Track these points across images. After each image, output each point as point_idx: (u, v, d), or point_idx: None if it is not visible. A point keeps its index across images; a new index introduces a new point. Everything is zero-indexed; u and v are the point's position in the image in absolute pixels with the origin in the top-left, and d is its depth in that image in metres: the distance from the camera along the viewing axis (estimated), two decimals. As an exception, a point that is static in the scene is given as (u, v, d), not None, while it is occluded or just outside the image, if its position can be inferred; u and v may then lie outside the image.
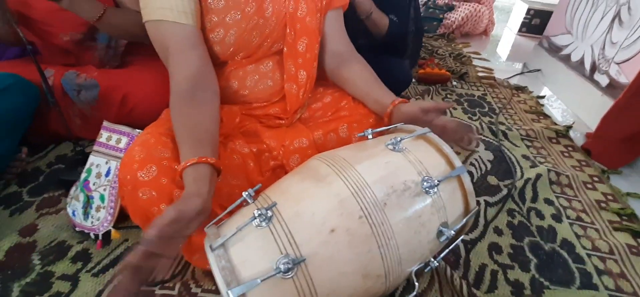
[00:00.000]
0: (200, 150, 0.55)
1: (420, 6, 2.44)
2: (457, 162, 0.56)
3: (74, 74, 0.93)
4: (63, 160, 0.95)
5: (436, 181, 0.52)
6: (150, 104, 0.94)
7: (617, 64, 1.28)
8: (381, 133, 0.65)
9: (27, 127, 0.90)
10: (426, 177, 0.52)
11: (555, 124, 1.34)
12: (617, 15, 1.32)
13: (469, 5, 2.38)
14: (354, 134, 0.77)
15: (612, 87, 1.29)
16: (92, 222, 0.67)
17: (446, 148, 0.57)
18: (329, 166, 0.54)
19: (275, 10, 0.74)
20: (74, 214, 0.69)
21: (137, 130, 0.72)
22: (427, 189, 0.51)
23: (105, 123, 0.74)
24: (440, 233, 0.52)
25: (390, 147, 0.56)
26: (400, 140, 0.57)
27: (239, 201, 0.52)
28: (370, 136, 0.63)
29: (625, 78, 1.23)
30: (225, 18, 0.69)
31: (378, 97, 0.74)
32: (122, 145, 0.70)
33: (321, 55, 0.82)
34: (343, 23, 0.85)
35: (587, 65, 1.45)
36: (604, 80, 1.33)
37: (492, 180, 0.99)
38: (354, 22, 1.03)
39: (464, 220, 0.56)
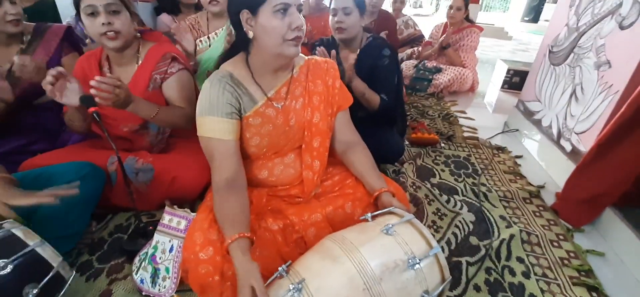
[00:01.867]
0: (238, 228, 0.77)
1: (412, 68, 2.77)
2: (434, 243, 0.76)
3: (134, 159, 1.17)
4: (120, 229, 1.16)
5: (418, 259, 0.72)
6: (193, 181, 1.18)
7: (577, 134, 1.52)
8: (379, 214, 0.87)
9: (96, 203, 1.12)
10: (411, 257, 0.73)
11: (530, 184, 1.56)
12: (574, 92, 1.59)
13: (455, 69, 2.70)
14: (357, 210, 0.99)
15: (574, 153, 1.52)
16: (159, 289, 0.87)
17: (426, 232, 0.78)
18: (341, 248, 0.75)
19: (297, 120, 0.99)
20: (142, 282, 0.89)
21: (193, 214, 0.94)
22: (411, 265, 0.72)
23: (167, 208, 0.96)
24: (422, 298, 0.72)
25: (384, 231, 0.77)
26: (392, 226, 0.78)
27: (276, 274, 0.73)
28: (369, 219, 0.85)
29: (583, 147, 1.46)
30: (261, 130, 0.94)
31: (370, 182, 0.98)
32: (182, 226, 0.92)
33: (333, 142, 1.07)
34: (349, 117, 1.10)
35: (554, 132, 1.69)
36: (568, 147, 1.57)
37: (474, 240, 1.19)
38: (354, 99, 1.28)
39: (441, 288, 0.75)
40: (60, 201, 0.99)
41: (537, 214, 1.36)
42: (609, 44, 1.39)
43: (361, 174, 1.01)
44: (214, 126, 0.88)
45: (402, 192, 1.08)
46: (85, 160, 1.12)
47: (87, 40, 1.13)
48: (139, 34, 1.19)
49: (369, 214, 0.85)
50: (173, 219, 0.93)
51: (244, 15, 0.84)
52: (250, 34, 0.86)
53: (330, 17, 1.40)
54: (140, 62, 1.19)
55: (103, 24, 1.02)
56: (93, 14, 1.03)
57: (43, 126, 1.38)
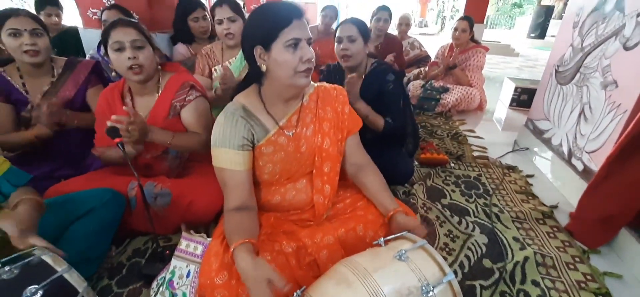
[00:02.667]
0: (244, 236, 0.81)
1: (419, 88, 2.81)
2: (448, 270, 0.77)
3: (153, 184, 1.22)
4: (138, 253, 1.20)
5: (431, 286, 0.73)
6: (209, 205, 1.22)
7: (588, 153, 1.51)
8: (391, 238, 0.88)
9: (116, 228, 1.17)
10: (424, 283, 0.74)
11: (543, 204, 1.54)
12: (582, 111, 1.59)
13: (462, 88, 2.72)
14: (369, 232, 1.01)
15: (586, 173, 1.51)
16: (177, 314, 0.89)
17: (439, 258, 0.79)
18: (354, 273, 0.76)
19: (308, 146, 1.03)
20: (160, 306, 0.92)
21: (209, 239, 0.97)
22: (425, 293, 0.73)
23: (184, 233, 1.00)
24: (436, 325, 0.72)
25: (397, 257, 0.79)
26: (405, 252, 0.79)
27: (291, 300, 0.74)
28: (382, 244, 0.86)
29: (595, 166, 1.45)
30: (273, 157, 0.98)
31: (383, 203, 1.01)
32: (198, 252, 0.95)
33: (344, 165, 1.11)
34: (359, 140, 1.14)
35: (565, 150, 1.69)
36: (579, 166, 1.56)
37: (487, 263, 1.18)
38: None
39: (455, 314, 0.76)
40: (85, 226, 1.05)
41: (552, 235, 1.35)
42: (615, 64, 1.41)
43: (373, 195, 1.04)
44: (226, 157, 0.92)
45: (413, 215, 1.09)
46: (107, 186, 1.17)
47: (113, 74, 1.21)
48: (159, 66, 1.27)
49: (382, 239, 0.87)
50: (190, 245, 0.97)
51: (258, 50, 0.89)
52: (264, 68, 0.91)
53: (336, 45, 1.46)
54: (160, 91, 1.26)
55: (129, 58, 1.10)
56: (119, 49, 1.11)
57: (69, 152, 1.45)
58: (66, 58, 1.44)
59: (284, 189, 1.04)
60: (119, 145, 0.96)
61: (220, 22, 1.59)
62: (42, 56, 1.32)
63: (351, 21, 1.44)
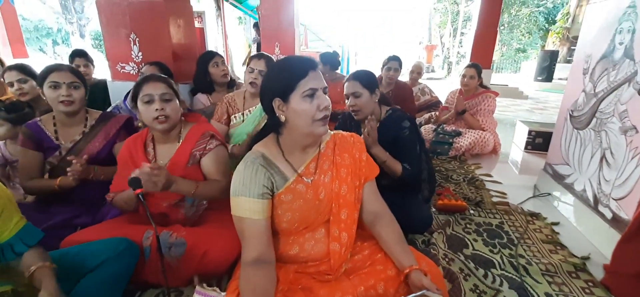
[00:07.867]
0: None
1: (431, 132, 2.82)
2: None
3: (168, 234, 1.21)
4: (149, 307, 1.16)
5: (463, 351, 0.67)
6: (224, 255, 1.18)
7: (615, 200, 1.44)
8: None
9: (129, 279, 1.14)
10: (455, 348, 0.68)
11: (573, 255, 1.45)
12: (604, 156, 1.55)
13: (475, 132, 2.72)
14: (389, 290, 0.96)
15: (616, 221, 1.43)
16: None
17: (467, 318, 0.74)
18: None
19: (326, 193, 1.02)
20: None
21: (222, 293, 0.94)
22: (457, 359, 0.66)
23: (197, 288, 0.97)
24: None
25: (422, 317, 0.74)
26: (428, 312, 0.74)
27: None
28: (403, 303, 0.81)
29: (625, 214, 1.38)
30: (292, 205, 0.97)
31: (399, 258, 0.97)
32: (212, 307, 0.91)
33: (361, 212, 1.08)
34: (376, 188, 1.12)
35: (590, 197, 1.62)
36: (608, 213, 1.48)
37: (519, 323, 1.09)
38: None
39: None
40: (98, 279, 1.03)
41: (587, 290, 1.24)
42: (632, 110, 1.40)
43: (389, 249, 1.01)
44: (246, 206, 0.92)
45: (436, 268, 1.04)
46: (122, 235, 1.17)
47: (139, 124, 1.28)
48: (182, 117, 1.33)
49: (402, 299, 0.82)
50: (204, 299, 0.93)
51: (276, 102, 0.92)
52: (283, 118, 0.93)
53: (346, 100, 1.52)
54: (181, 141, 1.30)
55: (156, 109, 1.17)
56: (149, 101, 1.18)
57: (87, 200, 1.47)
58: (101, 111, 1.53)
59: (303, 239, 1.02)
60: (140, 196, 0.98)
61: (252, 71, 1.72)
62: (76, 106, 1.41)
63: (353, 77, 1.49)
